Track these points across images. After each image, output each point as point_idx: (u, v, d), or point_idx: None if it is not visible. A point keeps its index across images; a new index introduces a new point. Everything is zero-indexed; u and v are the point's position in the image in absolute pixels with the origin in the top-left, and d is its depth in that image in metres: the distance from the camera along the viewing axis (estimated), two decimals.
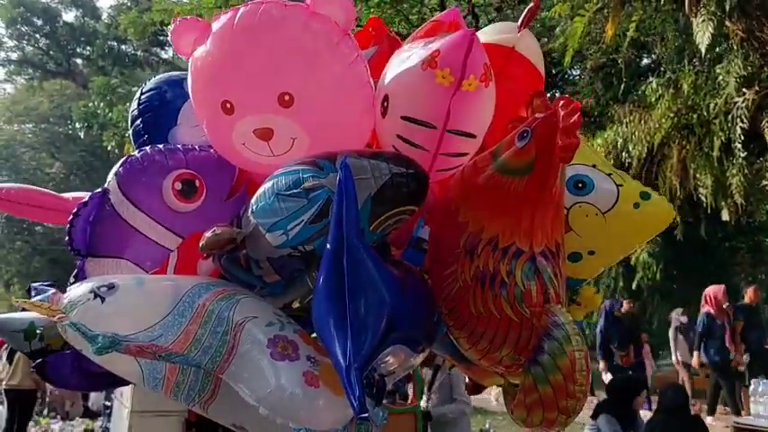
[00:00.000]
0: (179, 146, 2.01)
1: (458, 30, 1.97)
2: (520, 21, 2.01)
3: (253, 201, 1.62)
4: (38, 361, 2.16)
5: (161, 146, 2.00)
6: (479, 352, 1.67)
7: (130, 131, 2.31)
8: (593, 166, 2.04)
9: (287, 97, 1.67)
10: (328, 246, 1.47)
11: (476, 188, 1.67)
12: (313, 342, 1.66)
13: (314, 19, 1.68)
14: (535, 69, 2.08)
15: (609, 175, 2.04)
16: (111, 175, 1.93)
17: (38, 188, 2.60)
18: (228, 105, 1.72)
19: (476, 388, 2.60)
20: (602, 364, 8.30)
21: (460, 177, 1.79)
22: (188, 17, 1.82)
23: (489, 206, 1.63)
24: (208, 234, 1.68)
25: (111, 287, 1.58)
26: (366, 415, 1.30)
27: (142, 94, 2.26)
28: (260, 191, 1.62)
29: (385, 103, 1.77)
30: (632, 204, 1.99)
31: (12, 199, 2.39)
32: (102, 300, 1.54)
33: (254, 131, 1.72)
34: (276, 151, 1.75)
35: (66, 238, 1.89)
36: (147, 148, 1.97)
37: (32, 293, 2.79)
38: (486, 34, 1.94)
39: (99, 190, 1.93)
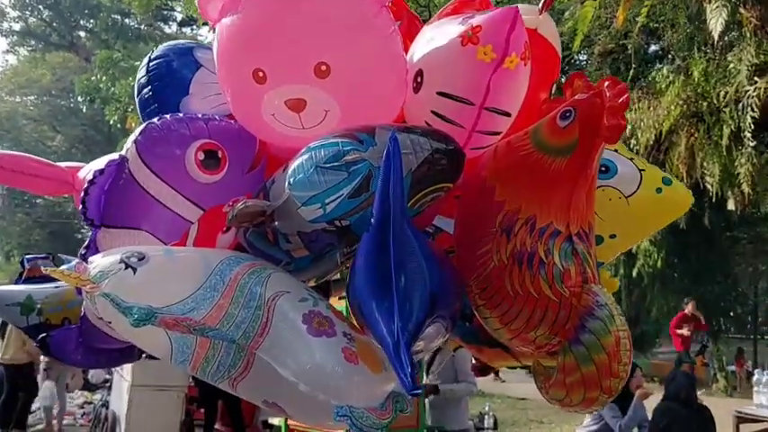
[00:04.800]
0: (199, 114, 1.95)
1: (488, 7, 1.95)
2: (541, 4, 2.00)
3: (289, 173, 1.58)
4: (41, 336, 2.11)
5: (180, 114, 1.94)
6: (512, 332, 1.65)
7: (137, 100, 2.25)
8: (615, 150, 2.05)
9: (323, 67, 1.62)
10: (372, 221, 1.45)
11: (514, 167, 1.66)
12: (345, 318, 1.65)
13: None
14: (555, 51, 2.08)
15: (631, 159, 2.06)
16: (129, 143, 1.86)
17: (33, 156, 2.48)
18: (261, 74, 1.66)
19: (483, 370, 2.59)
20: None
21: (493, 157, 1.77)
22: None
23: (527, 185, 1.62)
24: (239, 205, 1.65)
25: (142, 258, 1.53)
26: (419, 391, 1.29)
27: (150, 61, 2.20)
28: (296, 163, 1.58)
29: (419, 78, 1.74)
30: (655, 189, 2.02)
31: (5, 166, 2.29)
32: (134, 270, 1.49)
33: (286, 102, 1.67)
34: (306, 124, 1.71)
35: (80, 207, 1.82)
36: (168, 116, 1.90)
37: (26, 265, 2.72)
38: None
39: (116, 158, 1.86)
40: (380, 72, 1.72)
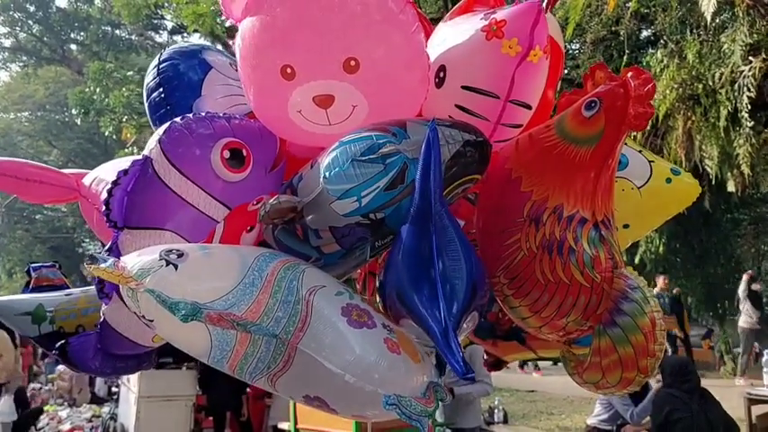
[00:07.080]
0: (219, 113, 1.94)
1: (502, 4, 1.98)
2: (546, 2, 2.02)
3: (323, 167, 1.61)
4: (60, 343, 2.07)
5: (201, 113, 1.93)
6: (542, 319, 1.69)
7: (146, 104, 2.25)
8: (624, 143, 2.09)
9: (353, 62, 1.63)
10: (412, 210, 1.48)
11: (540, 158, 1.69)
12: (380, 310, 1.68)
13: None
14: (560, 49, 2.10)
15: (639, 152, 2.13)
16: (152, 142, 1.85)
17: (34, 162, 2.40)
18: (289, 70, 1.66)
19: (496, 365, 2.59)
20: None
21: (516, 149, 1.81)
22: None
23: (554, 175, 1.65)
24: (271, 201, 1.66)
25: (181, 254, 1.53)
26: (472, 375, 1.33)
27: (160, 63, 2.20)
28: (330, 157, 1.60)
29: (441, 74, 1.77)
30: (665, 179, 2.09)
31: (7, 173, 2.23)
32: (176, 267, 1.49)
33: (314, 98, 1.68)
34: (333, 120, 1.72)
35: (103, 209, 1.79)
36: (190, 115, 1.89)
37: (32, 274, 2.67)
38: None
39: (140, 158, 1.84)
40: (406, 67, 1.74)
